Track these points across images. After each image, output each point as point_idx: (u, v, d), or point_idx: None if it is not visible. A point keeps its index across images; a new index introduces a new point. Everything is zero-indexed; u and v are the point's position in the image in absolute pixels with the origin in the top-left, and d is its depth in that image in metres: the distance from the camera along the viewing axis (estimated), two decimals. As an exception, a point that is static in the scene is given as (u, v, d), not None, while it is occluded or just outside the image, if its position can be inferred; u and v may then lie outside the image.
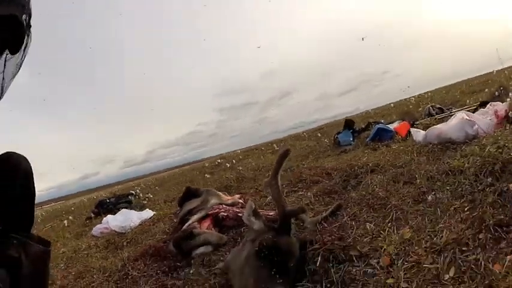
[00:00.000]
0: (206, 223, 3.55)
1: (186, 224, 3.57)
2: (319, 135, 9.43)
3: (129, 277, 3.15)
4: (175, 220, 4.79)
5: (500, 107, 4.01)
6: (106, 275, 3.36)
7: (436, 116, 6.37)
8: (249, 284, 1.97)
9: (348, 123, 7.16)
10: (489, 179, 2.47)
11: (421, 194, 2.79)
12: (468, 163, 2.86)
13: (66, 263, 4.31)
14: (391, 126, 5.99)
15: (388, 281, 1.82)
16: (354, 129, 7.07)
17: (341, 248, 2.25)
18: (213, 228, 3.50)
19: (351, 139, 6.44)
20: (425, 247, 1.94)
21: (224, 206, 3.76)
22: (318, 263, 2.20)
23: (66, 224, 7.89)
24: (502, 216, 1.83)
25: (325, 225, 2.72)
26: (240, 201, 4.00)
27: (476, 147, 3.15)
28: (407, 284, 1.65)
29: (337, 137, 6.84)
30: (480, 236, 1.76)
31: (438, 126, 4.30)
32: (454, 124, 3.98)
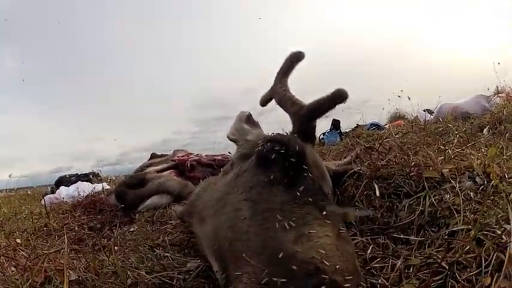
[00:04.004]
0: (165, 173, 2.27)
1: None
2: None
3: (45, 228, 1.91)
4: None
5: None
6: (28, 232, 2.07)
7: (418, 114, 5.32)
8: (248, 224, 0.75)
9: (335, 124, 6.02)
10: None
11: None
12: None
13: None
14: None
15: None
16: (341, 130, 5.90)
17: (404, 173, 1.11)
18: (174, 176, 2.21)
19: (338, 139, 5.30)
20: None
21: (194, 155, 2.47)
22: (373, 199, 1.05)
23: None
24: None
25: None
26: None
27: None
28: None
29: (322, 138, 5.60)
30: None
31: (452, 102, 3.58)
32: (471, 98, 3.38)
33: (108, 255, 1.14)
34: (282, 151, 0.85)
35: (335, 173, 1.24)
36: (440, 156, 1.25)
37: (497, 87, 3.82)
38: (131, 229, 1.61)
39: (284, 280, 0.55)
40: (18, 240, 1.69)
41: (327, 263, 0.56)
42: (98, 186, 4.60)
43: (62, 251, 1.37)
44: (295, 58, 1.38)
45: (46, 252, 1.34)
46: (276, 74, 1.39)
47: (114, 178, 7.00)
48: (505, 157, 1.18)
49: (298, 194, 0.77)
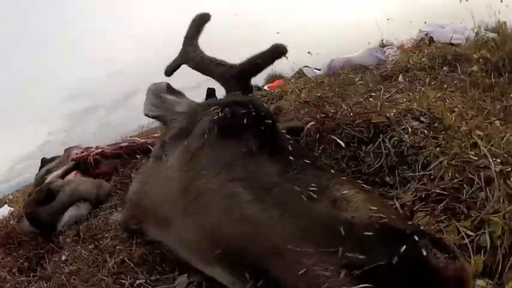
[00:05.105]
0: (71, 177, 1.88)
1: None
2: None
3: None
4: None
5: (406, 41, 3.53)
6: None
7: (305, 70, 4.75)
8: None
9: (210, 92, 5.82)
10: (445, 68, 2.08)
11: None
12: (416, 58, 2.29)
13: None
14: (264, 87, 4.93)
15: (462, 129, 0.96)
16: (217, 98, 5.62)
17: (350, 122, 1.11)
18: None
19: None
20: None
21: (95, 147, 2.06)
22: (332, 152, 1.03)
23: None
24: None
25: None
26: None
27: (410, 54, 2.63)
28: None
29: None
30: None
31: (344, 56, 3.53)
32: (364, 51, 3.35)
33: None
34: (254, 113, 0.72)
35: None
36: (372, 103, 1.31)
37: (381, 40, 4.12)
38: (63, 257, 1.25)
39: (369, 251, 0.45)
40: None
41: (384, 217, 0.48)
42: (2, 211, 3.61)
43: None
44: (202, 20, 1.24)
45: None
46: (183, 39, 1.23)
47: (11, 196, 5.65)
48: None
49: (291, 158, 0.65)
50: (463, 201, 0.73)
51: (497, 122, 1.12)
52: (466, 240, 0.66)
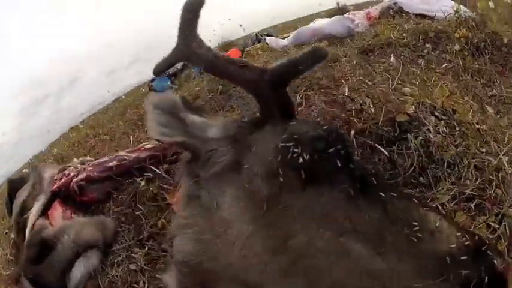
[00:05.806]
0: (56, 211, 1.68)
1: (28, 230, 1.64)
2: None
3: None
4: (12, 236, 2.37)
5: (372, 10, 3.41)
6: None
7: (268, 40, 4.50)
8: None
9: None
10: (428, 45, 2.09)
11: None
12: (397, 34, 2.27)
13: None
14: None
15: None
16: (169, 72, 5.52)
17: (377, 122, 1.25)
18: (73, 216, 1.63)
19: (169, 83, 5.20)
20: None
21: (72, 168, 1.82)
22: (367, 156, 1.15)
23: None
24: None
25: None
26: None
27: (391, 27, 2.53)
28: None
29: (152, 85, 5.47)
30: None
31: (309, 25, 3.56)
32: (332, 20, 3.36)
33: None
34: (343, 151, 0.71)
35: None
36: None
37: (337, 4, 4.02)
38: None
39: (468, 271, 0.61)
40: None
41: (467, 240, 0.65)
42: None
43: None
44: (197, 5, 0.97)
45: None
46: (179, 32, 0.98)
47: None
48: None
49: (380, 194, 0.69)
50: (487, 199, 0.97)
51: (491, 111, 1.36)
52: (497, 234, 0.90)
